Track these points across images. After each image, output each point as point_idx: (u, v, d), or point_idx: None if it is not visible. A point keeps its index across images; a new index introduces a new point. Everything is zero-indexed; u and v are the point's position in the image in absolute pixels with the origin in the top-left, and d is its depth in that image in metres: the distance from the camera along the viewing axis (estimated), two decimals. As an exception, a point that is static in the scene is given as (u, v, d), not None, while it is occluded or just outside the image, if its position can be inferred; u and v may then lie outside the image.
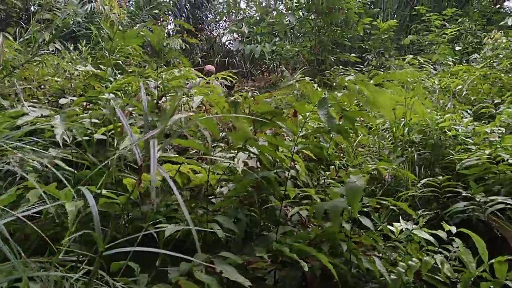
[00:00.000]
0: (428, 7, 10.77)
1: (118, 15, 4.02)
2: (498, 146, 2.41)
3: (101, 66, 2.92)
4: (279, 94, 1.47)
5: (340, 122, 1.46)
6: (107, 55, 2.67)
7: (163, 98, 2.51)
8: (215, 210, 1.42)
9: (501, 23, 7.80)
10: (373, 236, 1.58)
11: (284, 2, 7.28)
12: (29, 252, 1.17)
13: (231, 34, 9.40)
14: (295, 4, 7.49)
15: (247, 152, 1.68)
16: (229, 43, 10.11)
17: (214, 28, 14.79)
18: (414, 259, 1.40)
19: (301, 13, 7.35)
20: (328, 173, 2.43)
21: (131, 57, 3.02)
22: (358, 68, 6.28)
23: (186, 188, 1.56)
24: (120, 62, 3.00)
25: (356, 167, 2.39)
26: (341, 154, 3.03)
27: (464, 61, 7.27)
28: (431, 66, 5.93)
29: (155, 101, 2.27)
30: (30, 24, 3.50)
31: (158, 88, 2.38)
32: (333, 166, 2.46)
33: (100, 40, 2.85)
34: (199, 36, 15.13)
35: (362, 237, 1.44)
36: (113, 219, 1.51)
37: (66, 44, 5.99)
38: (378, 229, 1.82)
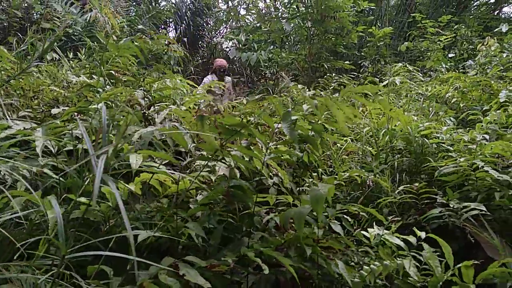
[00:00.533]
0: (426, 14, 10.88)
1: (113, 26, 4.13)
2: (479, 153, 2.48)
3: (94, 76, 3.02)
4: (250, 106, 1.53)
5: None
6: (99, 65, 2.77)
7: (152, 107, 2.60)
8: (190, 216, 1.49)
9: (496, 29, 7.87)
10: (345, 241, 1.65)
11: (280, 10, 7.38)
12: (9, 256, 1.24)
13: (230, 41, 9.53)
14: (291, 12, 7.61)
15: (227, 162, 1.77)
16: (230, 50, 10.24)
17: (215, 35, 14.96)
18: (376, 263, 1.46)
19: (297, 21, 7.45)
20: (311, 180, 2.50)
21: (121, 66, 3.11)
22: (352, 75, 6.36)
23: (165, 196, 1.64)
24: (113, 72, 3.09)
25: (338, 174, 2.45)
26: (329, 161, 3.10)
27: (461, 68, 7.33)
28: (421, 74, 6.00)
29: (143, 112, 2.35)
30: (27, 35, 3.61)
31: (147, 98, 2.47)
32: (315, 174, 2.54)
33: (93, 50, 2.95)
34: (200, 43, 15.30)
35: (329, 242, 1.51)
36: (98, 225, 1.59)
37: (67, 53, 6.09)
38: (354, 234, 1.89)
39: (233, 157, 1.45)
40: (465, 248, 2.19)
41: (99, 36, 3.52)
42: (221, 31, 14.58)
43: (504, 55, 4.96)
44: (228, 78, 6.03)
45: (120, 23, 7.74)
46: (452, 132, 2.84)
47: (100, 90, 2.39)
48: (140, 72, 3.21)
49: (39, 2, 7.57)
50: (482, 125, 2.68)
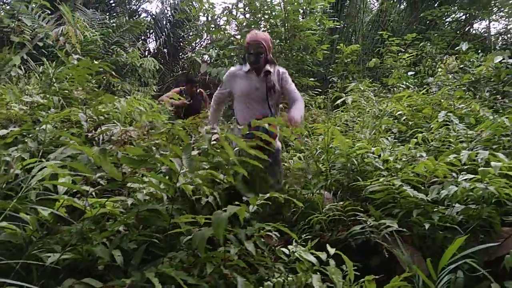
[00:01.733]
0: (398, 31, 11.31)
1: (74, 45, 4.23)
2: (409, 171, 2.66)
3: (47, 96, 3.11)
4: (155, 137, 1.66)
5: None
6: (49, 85, 2.87)
7: (99, 128, 2.71)
8: (105, 238, 1.61)
9: (456, 48, 8.24)
10: (260, 258, 1.78)
11: (252, 26, 7.59)
12: None
13: (203, 55, 9.69)
14: (262, 30, 7.83)
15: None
16: (201, 65, 10.39)
17: (195, 46, 15.10)
18: (273, 279, 1.60)
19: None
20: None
21: (78, 85, 3.21)
22: (317, 91, 6.59)
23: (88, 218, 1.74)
24: (67, 91, 3.19)
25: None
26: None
27: (425, 84, 7.65)
28: (383, 90, 6.28)
29: (86, 134, 2.46)
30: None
31: (91, 119, 2.57)
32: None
33: (44, 72, 3.04)
34: (180, 54, 15.39)
35: (235, 260, 1.64)
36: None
37: (36, 67, 6.11)
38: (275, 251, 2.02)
39: (149, 184, 1.58)
40: (387, 262, 2.35)
41: (59, 54, 3.62)
42: (202, 43, 14.71)
43: (450, 76, 5.25)
44: (272, 69, 3.04)
45: (93, 36, 7.79)
46: (389, 150, 3.03)
47: (44, 113, 2.48)
48: (92, 90, 3.31)
49: (11, 15, 7.58)
50: (410, 146, 2.88)
